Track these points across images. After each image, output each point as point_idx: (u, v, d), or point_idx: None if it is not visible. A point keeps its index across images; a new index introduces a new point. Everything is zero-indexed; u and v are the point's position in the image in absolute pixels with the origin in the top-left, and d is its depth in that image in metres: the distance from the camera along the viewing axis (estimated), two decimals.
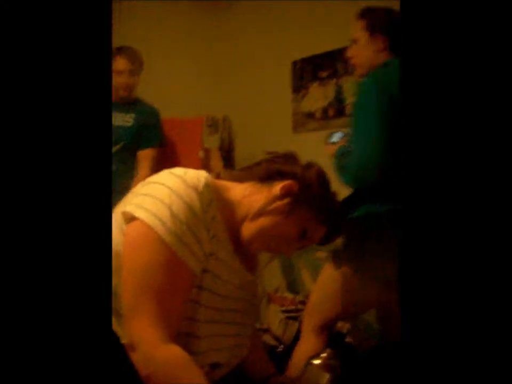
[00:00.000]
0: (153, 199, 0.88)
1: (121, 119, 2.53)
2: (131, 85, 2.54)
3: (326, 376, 0.97)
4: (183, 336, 0.90)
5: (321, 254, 2.62)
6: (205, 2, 3.39)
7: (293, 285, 2.75)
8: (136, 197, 0.91)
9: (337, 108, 2.89)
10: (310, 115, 3.02)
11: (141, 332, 0.83)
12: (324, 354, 0.97)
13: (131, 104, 2.58)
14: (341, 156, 1.53)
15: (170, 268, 0.86)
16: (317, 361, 0.98)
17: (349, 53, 1.71)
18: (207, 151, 3.03)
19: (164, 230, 0.85)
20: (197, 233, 0.88)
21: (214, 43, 3.45)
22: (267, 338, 2.23)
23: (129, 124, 2.54)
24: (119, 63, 2.49)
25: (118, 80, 2.49)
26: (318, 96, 2.99)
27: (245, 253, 1.04)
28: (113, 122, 2.49)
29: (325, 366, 0.96)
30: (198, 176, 0.92)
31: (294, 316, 2.31)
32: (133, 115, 2.56)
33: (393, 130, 1.38)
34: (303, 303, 2.42)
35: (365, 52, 1.63)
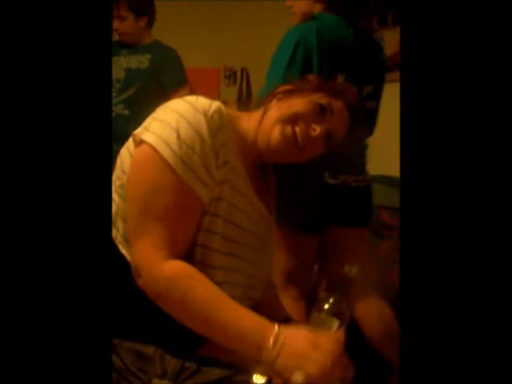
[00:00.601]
0: (160, 123, 0.88)
1: (136, 61, 2.49)
2: (137, 30, 2.49)
3: (336, 323, 0.98)
4: (197, 265, 0.90)
5: None
6: None
7: None
8: (146, 121, 0.92)
9: None
10: None
11: (144, 252, 0.84)
12: (330, 300, 0.98)
13: (147, 46, 2.51)
14: None
15: (174, 191, 0.86)
16: (325, 307, 0.99)
17: (288, 3, 1.75)
18: (224, 103, 3.00)
19: (170, 153, 0.85)
20: (204, 158, 0.87)
21: None
22: None
23: (145, 66, 2.50)
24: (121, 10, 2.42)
25: (121, 27, 2.44)
26: None
27: (260, 186, 1.03)
28: (127, 65, 2.46)
29: (333, 312, 0.97)
30: (210, 102, 0.92)
31: None
32: (148, 56, 2.51)
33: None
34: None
35: (302, 1, 1.68)
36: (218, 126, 0.90)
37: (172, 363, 0.87)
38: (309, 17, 1.63)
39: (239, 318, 0.86)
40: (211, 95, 1.04)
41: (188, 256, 0.90)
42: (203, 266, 0.92)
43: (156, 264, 0.84)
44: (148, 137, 0.87)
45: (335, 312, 0.96)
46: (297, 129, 0.97)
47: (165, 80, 2.48)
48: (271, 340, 0.83)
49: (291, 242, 1.68)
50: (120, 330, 0.90)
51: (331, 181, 1.68)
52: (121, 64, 2.48)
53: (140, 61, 2.50)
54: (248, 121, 1.02)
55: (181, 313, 0.86)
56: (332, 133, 1.01)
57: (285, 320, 1.15)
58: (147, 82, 2.46)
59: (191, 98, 0.91)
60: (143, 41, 2.52)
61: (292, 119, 0.98)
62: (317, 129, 0.98)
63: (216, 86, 3.00)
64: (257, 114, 1.02)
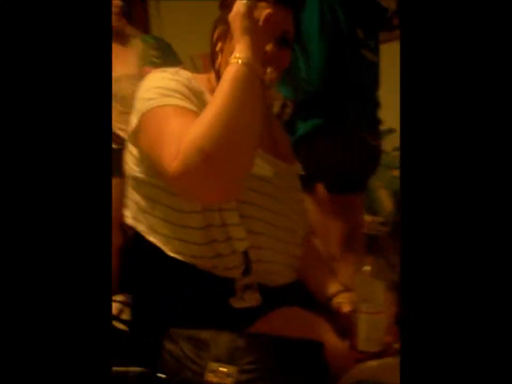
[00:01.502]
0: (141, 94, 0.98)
1: None
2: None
3: (381, 285, 0.92)
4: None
5: (397, 172, 2.52)
6: None
7: (372, 207, 2.66)
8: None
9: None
10: None
11: (166, 159, 0.86)
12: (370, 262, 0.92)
13: None
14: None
15: (178, 115, 0.91)
16: (366, 269, 0.93)
17: None
18: None
19: (161, 100, 0.93)
20: (188, 96, 0.95)
21: None
22: None
23: None
24: None
25: None
26: None
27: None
28: None
29: (376, 274, 0.92)
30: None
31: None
32: None
33: (333, 44, 1.56)
34: (384, 224, 2.35)
35: None
36: (189, 77, 1.00)
37: (225, 345, 0.88)
38: None
39: None
40: None
41: None
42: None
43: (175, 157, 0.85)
44: (144, 107, 0.95)
45: (378, 273, 0.91)
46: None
47: None
48: None
49: (340, 205, 1.67)
50: (175, 319, 0.95)
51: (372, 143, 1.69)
52: None
53: None
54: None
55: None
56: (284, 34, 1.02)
57: (336, 292, 1.10)
58: None
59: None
60: None
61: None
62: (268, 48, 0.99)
63: None
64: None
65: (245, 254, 0.99)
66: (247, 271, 0.99)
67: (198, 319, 0.95)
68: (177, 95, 0.93)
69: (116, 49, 2.04)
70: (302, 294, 1.12)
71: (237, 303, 0.98)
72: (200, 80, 1.05)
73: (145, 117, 0.94)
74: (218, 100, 0.84)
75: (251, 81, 0.86)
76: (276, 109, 1.63)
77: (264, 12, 0.94)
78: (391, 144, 2.36)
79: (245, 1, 0.88)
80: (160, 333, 0.93)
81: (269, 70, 0.98)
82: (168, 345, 0.92)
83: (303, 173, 1.20)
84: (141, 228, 1.02)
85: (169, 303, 0.99)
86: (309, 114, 1.64)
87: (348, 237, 1.68)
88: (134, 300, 1.06)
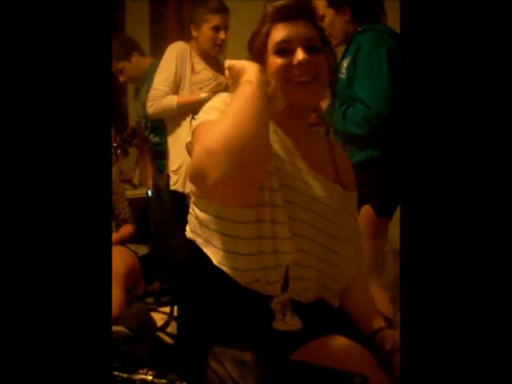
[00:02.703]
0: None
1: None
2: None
3: None
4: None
5: None
6: None
7: None
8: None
9: None
10: None
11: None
12: None
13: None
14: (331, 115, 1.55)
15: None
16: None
17: (328, 31, 1.88)
18: None
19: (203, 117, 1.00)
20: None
21: None
22: None
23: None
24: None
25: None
26: None
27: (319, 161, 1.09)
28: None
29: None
30: None
31: None
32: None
33: (396, 81, 1.74)
34: None
35: (336, 24, 1.93)
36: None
37: (270, 370, 0.89)
38: (348, 35, 1.90)
39: None
40: None
41: None
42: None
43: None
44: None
45: None
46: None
47: None
48: None
49: (378, 228, 1.82)
50: (220, 338, 0.96)
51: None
52: None
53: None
54: None
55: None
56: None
57: (380, 328, 1.08)
58: None
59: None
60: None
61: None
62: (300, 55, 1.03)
63: None
64: None
65: (286, 269, 0.99)
66: (285, 288, 1.00)
67: (239, 339, 0.95)
68: (215, 112, 0.98)
69: None
70: (345, 322, 1.10)
71: (278, 325, 0.98)
72: None
73: (192, 133, 1.00)
74: (229, 113, 0.92)
75: (265, 97, 0.93)
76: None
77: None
78: None
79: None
80: (205, 350, 0.94)
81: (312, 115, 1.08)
82: (212, 364, 0.93)
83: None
84: (199, 241, 1.04)
85: (211, 319, 1.00)
86: (367, 145, 1.79)
87: (378, 259, 1.80)
88: (180, 312, 1.07)
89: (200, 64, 2.48)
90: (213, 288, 1.01)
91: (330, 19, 1.93)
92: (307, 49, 1.03)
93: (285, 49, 1.03)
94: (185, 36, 2.64)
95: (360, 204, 1.63)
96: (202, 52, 2.48)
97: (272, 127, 1.01)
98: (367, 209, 1.77)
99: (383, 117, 1.73)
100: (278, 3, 1.06)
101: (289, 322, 0.98)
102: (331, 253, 1.06)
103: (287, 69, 1.02)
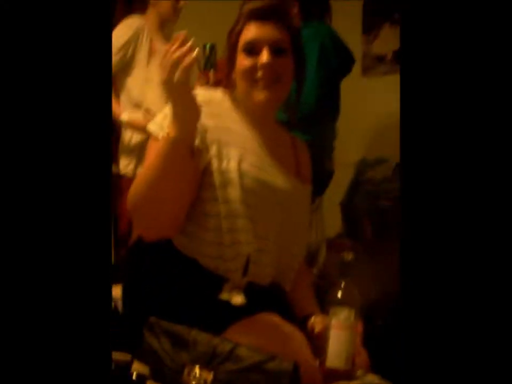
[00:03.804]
0: None
1: None
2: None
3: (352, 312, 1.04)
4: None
5: (386, 202, 2.60)
6: None
7: (353, 232, 2.73)
8: None
9: None
10: (381, 58, 2.89)
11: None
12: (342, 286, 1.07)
13: None
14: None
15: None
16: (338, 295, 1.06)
17: None
18: None
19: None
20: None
21: None
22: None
23: None
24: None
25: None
26: (389, 38, 2.84)
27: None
28: None
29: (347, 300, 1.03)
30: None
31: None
32: None
33: (324, 74, 1.90)
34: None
35: None
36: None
37: (204, 348, 0.91)
38: None
39: None
40: None
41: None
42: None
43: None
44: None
45: (349, 300, 1.02)
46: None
47: None
48: None
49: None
50: (160, 309, 0.99)
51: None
52: None
53: None
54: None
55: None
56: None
57: (312, 313, 1.16)
58: None
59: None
60: None
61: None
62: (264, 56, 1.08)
63: None
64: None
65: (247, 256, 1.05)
66: (245, 273, 1.06)
67: (182, 311, 1.00)
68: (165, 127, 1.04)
69: None
70: (284, 303, 1.17)
71: (224, 296, 1.04)
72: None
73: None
74: (147, 168, 1.02)
75: (179, 154, 0.97)
76: None
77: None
78: None
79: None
80: (142, 322, 0.97)
81: None
82: (147, 335, 0.95)
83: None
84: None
85: (156, 293, 1.05)
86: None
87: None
88: (125, 289, 1.11)
89: (160, 41, 2.10)
90: (167, 263, 1.06)
91: None
92: (273, 51, 1.08)
93: (252, 48, 1.08)
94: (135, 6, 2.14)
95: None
96: (162, 23, 2.12)
97: (244, 122, 1.11)
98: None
99: (310, 108, 1.84)
100: (252, 3, 1.10)
101: (235, 297, 1.04)
102: (288, 241, 1.14)
103: (251, 69, 1.08)
